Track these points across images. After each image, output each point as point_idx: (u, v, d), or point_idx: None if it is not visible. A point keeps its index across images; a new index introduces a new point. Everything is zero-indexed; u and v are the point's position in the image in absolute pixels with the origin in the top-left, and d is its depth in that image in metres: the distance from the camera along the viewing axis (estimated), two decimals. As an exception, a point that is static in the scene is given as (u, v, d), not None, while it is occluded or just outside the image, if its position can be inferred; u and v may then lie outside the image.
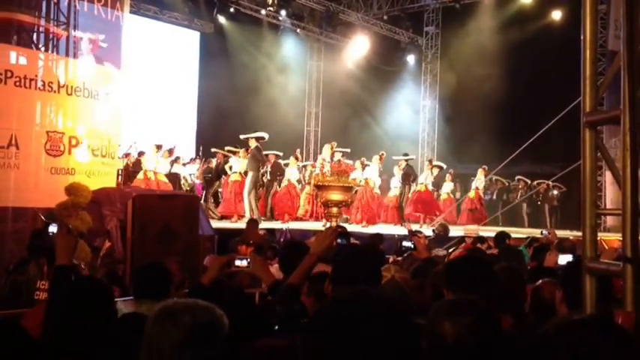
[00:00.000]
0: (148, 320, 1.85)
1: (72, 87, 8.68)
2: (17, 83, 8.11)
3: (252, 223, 9.49)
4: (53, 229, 4.74)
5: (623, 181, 2.24)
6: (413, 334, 1.38)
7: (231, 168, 13.53)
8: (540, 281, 3.44)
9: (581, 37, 2.51)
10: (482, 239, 7.85)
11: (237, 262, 3.00)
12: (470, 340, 1.67)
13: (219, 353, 1.87)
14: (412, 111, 20.50)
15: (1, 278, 6.00)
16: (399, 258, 5.99)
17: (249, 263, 2.99)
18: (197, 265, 6.79)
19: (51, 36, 8.63)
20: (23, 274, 5.06)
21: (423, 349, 1.68)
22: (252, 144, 12.97)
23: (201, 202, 12.48)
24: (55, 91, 8.50)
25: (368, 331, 1.30)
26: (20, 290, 4.98)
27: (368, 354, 1.29)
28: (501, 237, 7.52)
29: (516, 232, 10.83)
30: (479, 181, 15.44)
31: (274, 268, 4.17)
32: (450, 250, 7.32)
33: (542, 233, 8.96)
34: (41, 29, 8.56)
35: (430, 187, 14.59)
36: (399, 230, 11.97)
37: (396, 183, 14.81)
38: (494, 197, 17.18)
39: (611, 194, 14.82)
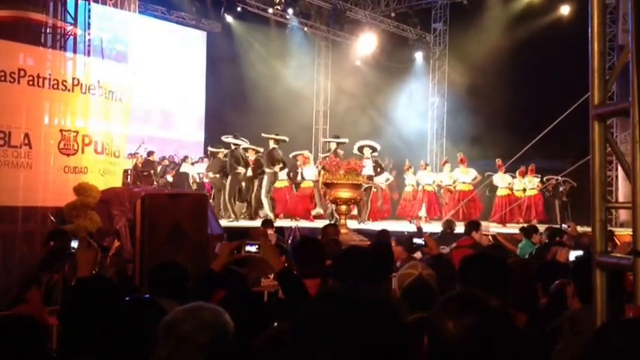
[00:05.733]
0: (159, 340, 1.89)
1: (86, 85, 8.69)
2: (30, 82, 8.11)
3: (263, 224, 9.49)
4: (74, 244, 4.83)
5: (633, 174, 2.22)
6: (400, 332, 1.35)
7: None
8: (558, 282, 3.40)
9: (589, 30, 2.49)
10: (475, 225, 7.87)
11: (248, 248, 3.01)
12: (473, 342, 1.62)
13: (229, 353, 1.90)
14: (420, 108, 20.43)
15: (14, 279, 6.06)
16: (413, 255, 5.99)
17: (258, 249, 2.99)
18: (207, 264, 6.78)
19: (62, 34, 8.66)
20: (58, 273, 5.11)
21: (424, 344, 1.65)
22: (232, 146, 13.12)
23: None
24: (69, 90, 8.51)
25: (349, 328, 1.28)
26: (54, 289, 5.02)
27: (350, 352, 1.27)
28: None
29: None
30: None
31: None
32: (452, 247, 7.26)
33: (561, 227, 8.99)
34: (54, 28, 8.58)
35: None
36: (409, 227, 11.95)
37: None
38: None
39: (623, 189, 14.71)
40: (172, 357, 1.86)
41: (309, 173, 13.78)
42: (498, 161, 14.41)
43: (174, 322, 1.91)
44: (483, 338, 1.63)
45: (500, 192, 14.59)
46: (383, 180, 15.18)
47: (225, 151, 13.65)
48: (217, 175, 13.43)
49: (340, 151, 13.34)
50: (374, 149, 13.54)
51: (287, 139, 13.79)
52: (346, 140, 13.93)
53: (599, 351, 1.37)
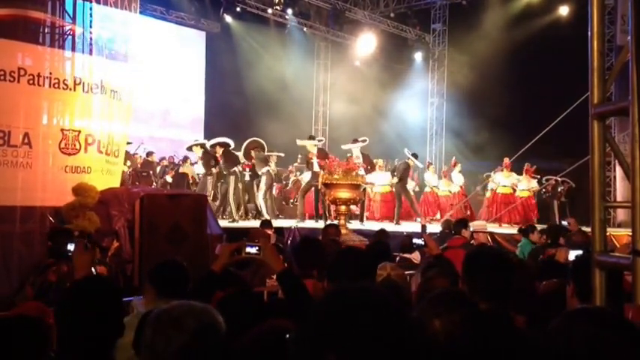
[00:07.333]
0: (146, 326, 1.87)
1: (88, 85, 8.65)
2: (30, 81, 8.05)
3: (262, 224, 9.46)
4: (71, 247, 4.80)
5: (632, 172, 2.22)
6: (409, 328, 1.35)
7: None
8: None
9: (588, 29, 2.49)
10: (464, 223, 7.84)
11: (248, 249, 3.00)
12: (463, 338, 1.62)
13: (219, 354, 1.89)
14: (420, 108, 20.44)
15: (13, 279, 6.04)
16: (406, 255, 5.98)
17: (259, 250, 2.98)
18: (206, 264, 6.78)
19: (61, 33, 8.63)
20: (54, 274, 5.08)
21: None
22: (219, 150, 12.75)
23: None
24: (70, 89, 8.47)
25: (358, 327, 1.28)
26: (48, 290, 4.99)
27: (359, 350, 1.27)
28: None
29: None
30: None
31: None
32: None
33: (561, 223, 9.07)
34: (55, 27, 8.55)
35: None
36: (408, 227, 11.95)
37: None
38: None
39: (621, 189, 14.72)
40: (155, 340, 1.84)
41: None
42: (506, 160, 14.36)
43: (164, 310, 1.90)
44: (474, 337, 1.63)
45: (500, 189, 14.49)
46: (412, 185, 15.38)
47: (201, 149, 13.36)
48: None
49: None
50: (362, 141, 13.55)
51: (230, 142, 13.11)
52: (322, 139, 13.92)
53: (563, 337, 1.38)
